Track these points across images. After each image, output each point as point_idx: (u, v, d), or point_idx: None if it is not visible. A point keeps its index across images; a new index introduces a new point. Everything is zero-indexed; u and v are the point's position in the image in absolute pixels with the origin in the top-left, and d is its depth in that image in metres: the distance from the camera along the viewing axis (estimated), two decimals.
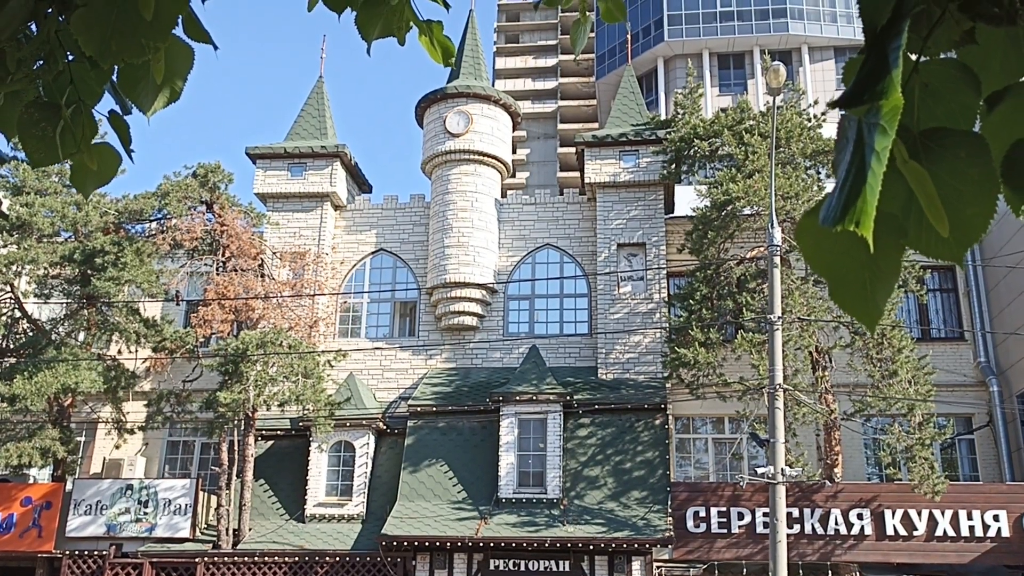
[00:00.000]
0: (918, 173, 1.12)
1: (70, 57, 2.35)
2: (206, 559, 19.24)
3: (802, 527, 18.50)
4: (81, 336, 21.43)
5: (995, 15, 1.30)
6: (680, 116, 22.30)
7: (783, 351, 16.62)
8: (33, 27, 2.34)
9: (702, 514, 18.85)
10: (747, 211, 19.64)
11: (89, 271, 20.24)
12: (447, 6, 2.90)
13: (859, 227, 1.00)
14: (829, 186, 20.30)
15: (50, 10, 2.29)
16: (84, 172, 2.46)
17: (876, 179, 1.01)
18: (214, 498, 20.49)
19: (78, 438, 22.26)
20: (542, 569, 18.55)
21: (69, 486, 20.81)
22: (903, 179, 1.17)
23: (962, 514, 18.25)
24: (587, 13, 3.15)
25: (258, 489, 20.76)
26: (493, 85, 32.64)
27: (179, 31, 2.25)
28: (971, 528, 18.18)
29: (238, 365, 18.86)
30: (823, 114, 20.80)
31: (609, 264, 22.65)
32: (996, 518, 18.20)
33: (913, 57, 1.28)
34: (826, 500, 18.67)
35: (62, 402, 20.65)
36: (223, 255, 21.07)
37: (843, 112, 1.18)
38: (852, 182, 1.04)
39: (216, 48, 2.37)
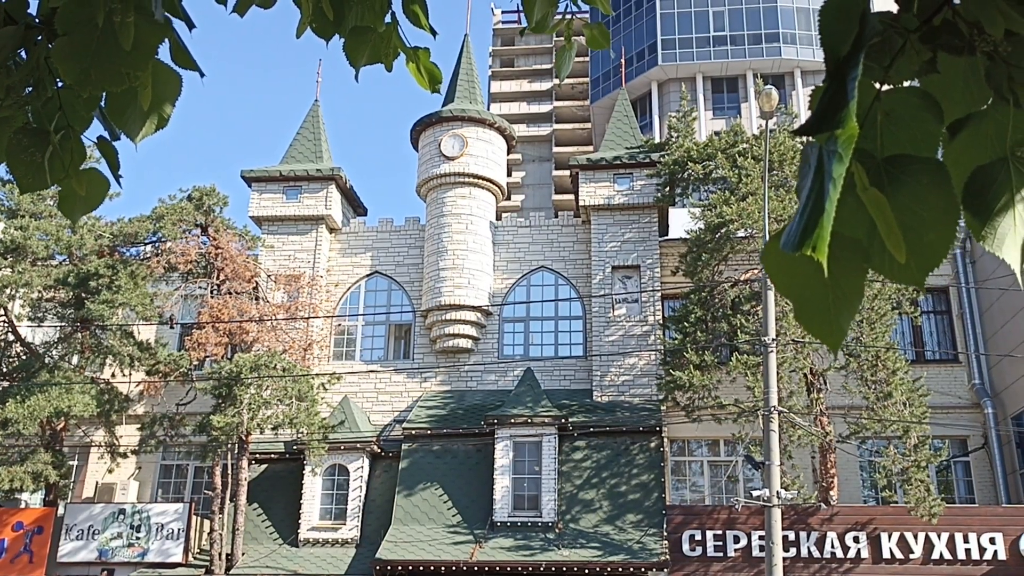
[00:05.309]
0: (877, 199, 1.15)
1: (59, 84, 2.38)
2: None
3: (798, 550, 18.42)
4: (75, 359, 21.38)
5: (956, 45, 1.33)
6: (674, 139, 22.44)
7: (778, 373, 16.64)
8: (23, 54, 2.37)
9: (698, 537, 18.77)
10: (741, 233, 19.71)
11: (83, 294, 20.23)
12: (434, 33, 2.93)
13: (815, 252, 1.03)
14: None
15: (40, 37, 2.32)
16: (72, 198, 2.47)
17: (832, 205, 1.04)
18: (207, 522, 20.38)
19: (70, 462, 22.16)
20: None
21: (61, 511, 20.68)
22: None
23: (958, 537, 18.19)
24: (572, 39, 3.19)
25: (251, 513, 20.64)
26: (488, 109, 32.77)
27: (166, 58, 2.27)
28: (967, 551, 18.11)
29: (232, 388, 18.82)
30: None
31: (604, 286, 22.69)
32: (992, 541, 18.14)
33: (877, 85, 1.32)
34: (822, 523, 18.60)
35: (55, 426, 20.57)
36: (217, 278, 21.08)
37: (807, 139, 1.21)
38: (811, 208, 1.07)
39: (203, 75, 2.39)
